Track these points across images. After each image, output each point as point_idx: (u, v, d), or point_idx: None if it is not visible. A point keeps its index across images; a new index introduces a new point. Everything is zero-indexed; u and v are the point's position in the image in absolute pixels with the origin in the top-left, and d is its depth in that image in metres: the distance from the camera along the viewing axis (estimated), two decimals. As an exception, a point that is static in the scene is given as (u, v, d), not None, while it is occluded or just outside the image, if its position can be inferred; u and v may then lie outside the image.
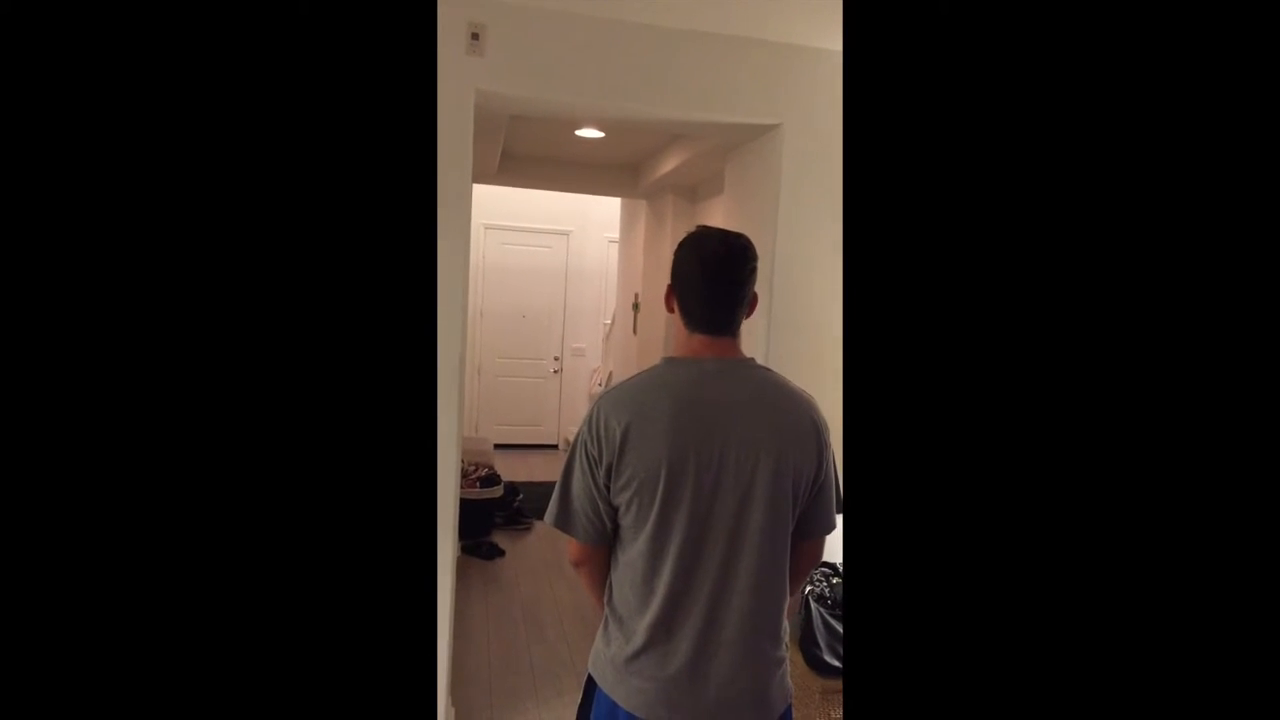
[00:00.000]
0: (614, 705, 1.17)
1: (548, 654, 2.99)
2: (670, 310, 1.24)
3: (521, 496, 4.75)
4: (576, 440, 1.19)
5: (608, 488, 1.15)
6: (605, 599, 1.24)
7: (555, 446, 6.81)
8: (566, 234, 6.67)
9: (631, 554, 1.16)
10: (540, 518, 4.91)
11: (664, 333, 4.26)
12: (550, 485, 4.68)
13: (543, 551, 4.18)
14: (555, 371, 6.78)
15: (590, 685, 1.25)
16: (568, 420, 6.85)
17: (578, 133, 3.48)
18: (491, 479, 4.39)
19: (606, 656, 1.20)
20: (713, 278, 1.17)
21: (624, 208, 5.63)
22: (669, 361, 1.20)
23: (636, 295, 5.01)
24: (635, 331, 5.02)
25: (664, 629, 1.14)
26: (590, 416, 1.17)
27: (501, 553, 4.07)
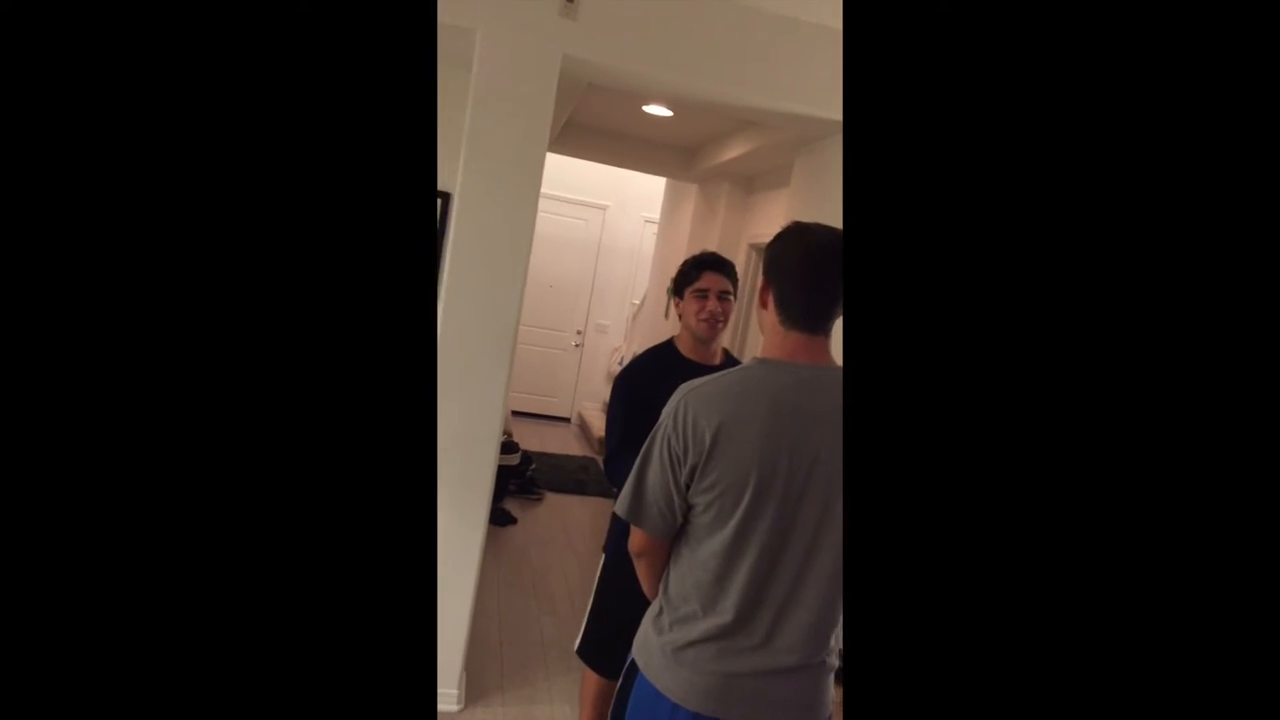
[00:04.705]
0: (658, 693, 1.16)
1: (558, 627, 2.99)
2: (764, 307, 1.20)
3: (535, 466, 4.74)
4: (658, 433, 1.16)
5: (688, 486, 1.13)
6: (661, 588, 1.23)
7: (568, 420, 6.80)
8: (603, 208, 6.61)
9: (703, 553, 1.15)
10: (554, 490, 4.86)
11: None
12: (563, 458, 4.70)
13: (553, 523, 4.19)
14: (576, 345, 6.76)
15: (633, 669, 1.23)
16: (584, 395, 6.84)
17: (645, 109, 3.42)
18: (509, 445, 4.38)
19: (657, 644, 1.19)
20: (818, 270, 1.14)
21: (668, 189, 5.57)
22: (762, 363, 1.17)
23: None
24: (667, 316, 4.98)
25: (728, 629, 1.13)
26: (675, 412, 1.14)
27: (514, 520, 4.08)
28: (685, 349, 1.85)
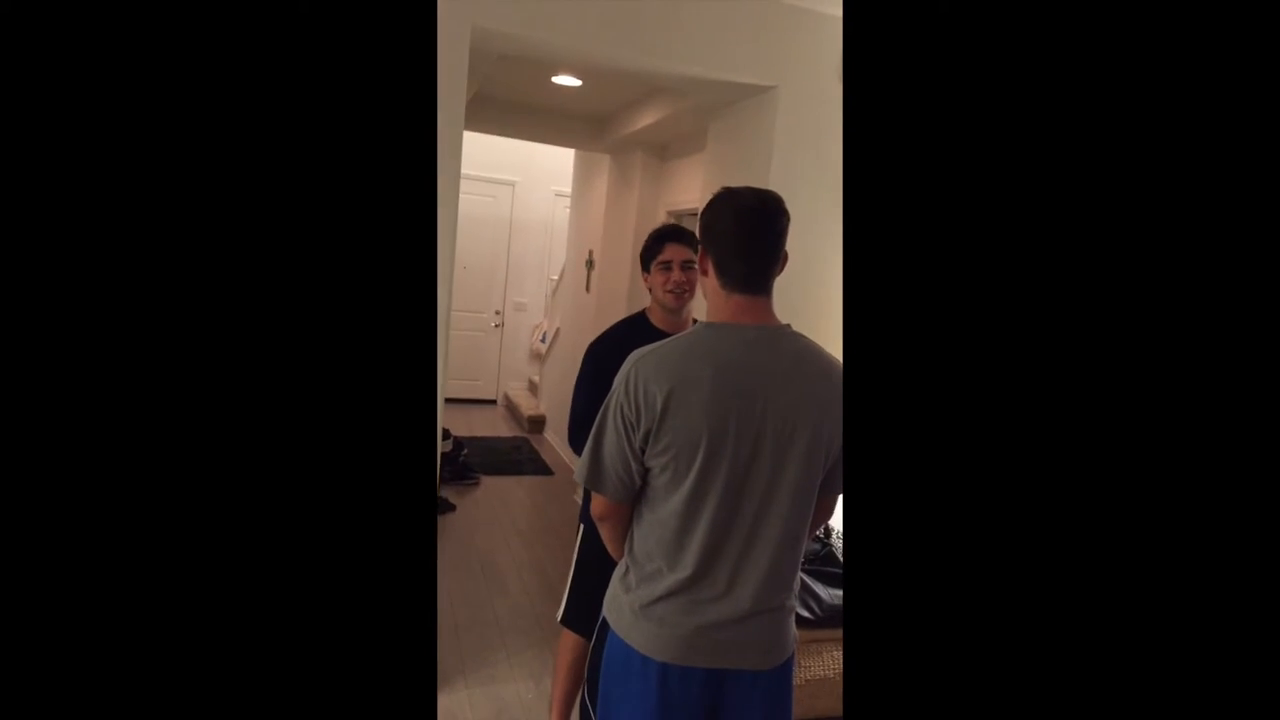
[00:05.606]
0: (629, 649, 1.21)
1: (512, 608, 2.99)
2: (704, 273, 1.24)
3: (467, 451, 4.67)
4: (611, 401, 1.19)
5: (643, 451, 1.17)
6: (626, 548, 1.27)
7: (494, 402, 6.71)
8: (512, 184, 6.49)
9: (662, 513, 1.19)
10: (489, 473, 4.78)
11: (625, 291, 4.24)
12: (494, 440, 4.65)
13: (492, 506, 4.15)
14: (496, 326, 6.66)
15: (604, 628, 1.28)
16: (508, 375, 6.76)
17: (554, 79, 3.36)
18: (442, 433, 4.30)
19: (625, 601, 1.23)
20: (750, 232, 1.18)
21: (579, 161, 5.51)
22: (708, 327, 1.20)
23: (591, 252, 4.95)
24: (588, 289, 4.97)
25: (689, 582, 1.18)
26: (626, 379, 1.17)
27: (453, 507, 4.02)
28: (656, 321, 1.89)
